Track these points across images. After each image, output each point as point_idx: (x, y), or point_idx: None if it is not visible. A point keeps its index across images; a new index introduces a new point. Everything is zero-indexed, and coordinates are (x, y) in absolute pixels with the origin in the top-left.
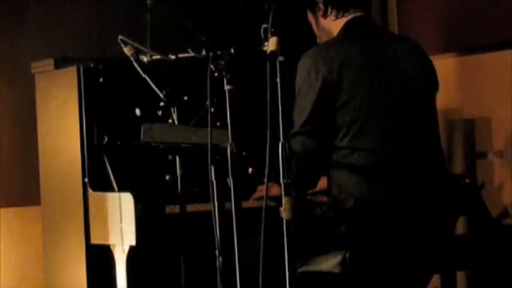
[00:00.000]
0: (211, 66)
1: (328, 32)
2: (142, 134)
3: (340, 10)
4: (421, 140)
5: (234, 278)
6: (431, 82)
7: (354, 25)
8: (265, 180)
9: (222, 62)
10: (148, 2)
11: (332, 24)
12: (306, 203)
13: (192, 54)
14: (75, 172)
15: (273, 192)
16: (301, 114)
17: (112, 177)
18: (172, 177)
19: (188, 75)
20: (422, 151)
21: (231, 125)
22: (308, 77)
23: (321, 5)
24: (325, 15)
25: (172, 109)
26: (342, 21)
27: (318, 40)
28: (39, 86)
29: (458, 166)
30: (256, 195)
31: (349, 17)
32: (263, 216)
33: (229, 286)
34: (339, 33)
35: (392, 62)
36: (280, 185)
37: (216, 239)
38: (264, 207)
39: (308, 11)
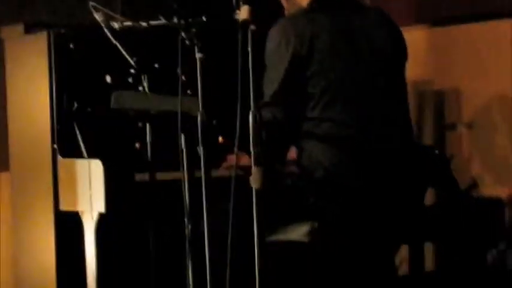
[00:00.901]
0: (183, 34)
1: (297, 3)
2: (112, 101)
3: None
4: (391, 110)
5: (202, 246)
6: (400, 52)
7: None
8: (235, 149)
9: (194, 30)
10: None
11: None
12: (276, 173)
13: (164, 21)
14: (45, 138)
15: (243, 161)
16: (271, 85)
17: (82, 144)
18: (142, 145)
19: (159, 43)
20: (391, 122)
21: (201, 93)
22: (278, 48)
23: None
24: None
25: (143, 76)
26: None
27: (285, 12)
28: (9, 52)
29: (427, 137)
30: (226, 164)
31: None
32: (232, 185)
33: (198, 254)
34: (308, 5)
35: (362, 33)
36: (249, 155)
37: (185, 208)
38: (233, 176)
39: None
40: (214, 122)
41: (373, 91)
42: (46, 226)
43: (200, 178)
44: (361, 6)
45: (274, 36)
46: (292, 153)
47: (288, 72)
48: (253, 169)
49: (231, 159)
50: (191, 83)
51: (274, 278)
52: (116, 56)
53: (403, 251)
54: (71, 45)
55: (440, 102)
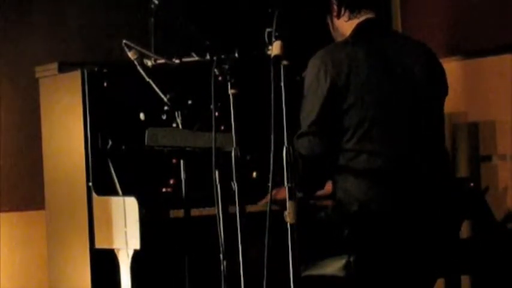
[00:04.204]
0: (215, 70)
1: (341, 33)
2: (146, 138)
3: (353, 10)
4: (426, 144)
5: (238, 281)
6: (439, 86)
7: (364, 27)
8: (270, 184)
9: (226, 66)
10: (152, 6)
11: (345, 25)
12: (311, 207)
13: (196, 58)
14: (80, 176)
15: (281, 195)
16: (308, 114)
17: (116, 181)
18: (177, 181)
19: (192, 79)
20: (427, 155)
21: (235, 129)
22: (317, 78)
23: (335, 6)
24: (338, 16)
25: (176, 113)
26: (354, 22)
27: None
28: (43, 90)
29: (462, 170)
30: (266, 199)
31: (361, 18)
32: (267, 220)
33: None
34: (349, 35)
35: (401, 66)
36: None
37: (221, 243)
38: (268, 211)
39: (327, 14)
40: (248, 157)
41: (409, 124)
42: (82, 264)
43: (235, 213)
44: (402, 38)
45: (313, 67)
46: (329, 186)
47: (326, 102)
48: (288, 203)
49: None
50: (224, 118)
51: None
52: (149, 93)
53: (440, 284)
54: (105, 83)
55: (474, 134)
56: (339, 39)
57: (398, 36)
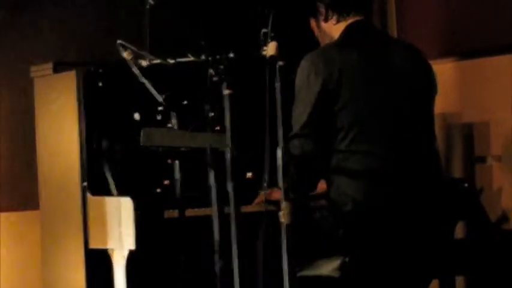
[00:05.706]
0: (211, 70)
1: (329, 36)
2: (141, 138)
3: (341, 14)
4: (419, 143)
5: (233, 282)
6: (429, 86)
7: (355, 29)
8: (265, 184)
9: (222, 67)
10: (147, 6)
11: (333, 28)
12: (305, 207)
13: (192, 58)
14: (74, 176)
15: (277, 196)
16: (300, 117)
17: (111, 182)
18: (172, 182)
19: (187, 79)
20: (419, 155)
21: (230, 129)
22: (308, 80)
23: (322, 10)
24: (326, 20)
25: (171, 113)
26: (343, 25)
27: (321, 45)
28: (38, 90)
29: (457, 170)
30: (259, 199)
31: (350, 21)
32: (264, 220)
33: None
34: (339, 37)
35: (391, 67)
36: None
37: (215, 244)
38: (264, 211)
39: (310, 17)
40: (242, 157)
41: (401, 124)
42: (76, 264)
43: (229, 214)
44: (391, 39)
45: (303, 69)
46: (323, 185)
47: (317, 104)
48: (283, 204)
49: (265, 194)
50: (220, 119)
51: None
52: (144, 93)
53: (434, 285)
54: (100, 83)
55: (469, 135)
56: (326, 42)
57: (388, 37)
